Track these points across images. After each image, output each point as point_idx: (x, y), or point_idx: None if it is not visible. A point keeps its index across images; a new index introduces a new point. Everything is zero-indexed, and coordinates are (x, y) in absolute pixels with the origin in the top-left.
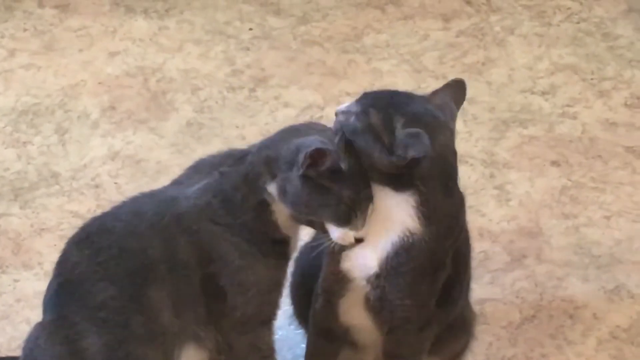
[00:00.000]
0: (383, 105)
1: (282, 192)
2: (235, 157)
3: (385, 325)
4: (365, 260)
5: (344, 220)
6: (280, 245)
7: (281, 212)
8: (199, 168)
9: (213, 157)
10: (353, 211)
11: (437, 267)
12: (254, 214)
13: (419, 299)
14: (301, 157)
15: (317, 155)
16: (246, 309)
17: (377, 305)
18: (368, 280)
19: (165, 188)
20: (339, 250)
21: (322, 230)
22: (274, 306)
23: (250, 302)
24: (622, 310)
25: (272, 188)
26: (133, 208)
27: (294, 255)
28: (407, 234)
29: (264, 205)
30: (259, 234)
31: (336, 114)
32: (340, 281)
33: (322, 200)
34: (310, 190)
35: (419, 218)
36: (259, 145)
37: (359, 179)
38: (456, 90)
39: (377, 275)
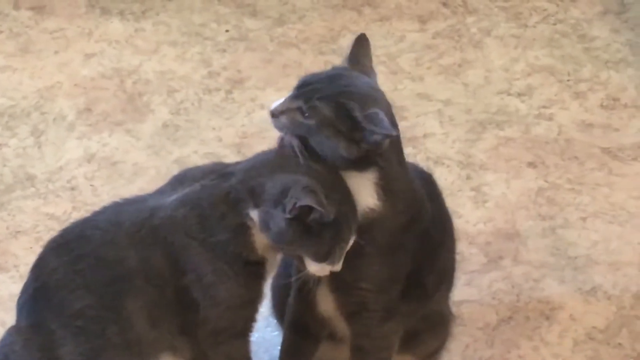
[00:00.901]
0: (328, 95)
1: (265, 225)
2: (218, 173)
3: (343, 310)
4: None
5: (324, 257)
6: (255, 266)
7: (261, 237)
8: (183, 179)
9: (198, 168)
10: (334, 249)
11: (394, 249)
12: (232, 235)
13: (375, 283)
14: (289, 203)
15: (306, 210)
16: (218, 322)
17: (336, 287)
18: None
19: (146, 196)
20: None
21: (298, 262)
22: (248, 321)
23: (223, 317)
24: (598, 312)
25: (254, 215)
26: (112, 216)
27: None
28: (367, 211)
29: (244, 228)
30: (233, 254)
31: (273, 115)
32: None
33: (305, 241)
34: (294, 232)
35: (378, 194)
36: (245, 170)
37: (343, 220)
38: (365, 46)
39: None
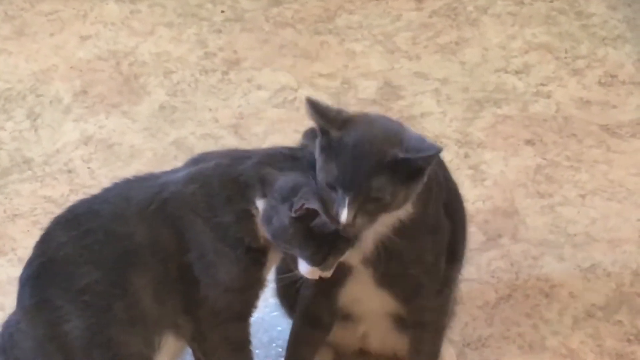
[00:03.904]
0: (367, 170)
1: (267, 219)
2: (234, 156)
3: (400, 298)
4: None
5: (317, 263)
6: (257, 253)
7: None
8: (200, 162)
9: (216, 152)
10: (328, 257)
11: (436, 227)
12: (235, 218)
13: (425, 264)
14: (298, 202)
15: (311, 213)
16: (217, 303)
17: (387, 281)
18: (365, 263)
19: (159, 173)
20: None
21: (291, 261)
22: (247, 305)
23: (221, 298)
24: (598, 289)
25: (260, 204)
26: (122, 192)
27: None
28: (405, 218)
29: (248, 215)
30: (235, 238)
31: (347, 227)
32: (341, 270)
33: (303, 243)
34: (295, 231)
35: (413, 202)
36: (260, 156)
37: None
38: None
39: (376, 256)
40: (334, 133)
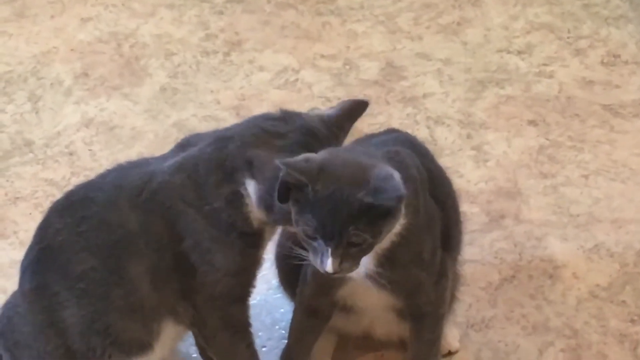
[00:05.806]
0: (343, 217)
1: (267, 206)
2: (217, 137)
3: (401, 297)
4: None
5: None
6: (251, 236)
7: (256, 210)
8: (186, 146)
9: (200, 135)
10: None
11: (428, 224)
12: (225, 202)
13: (424, 263)
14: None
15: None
16: (216, 288)
17: (387, 284)
18: (367, 277)
19: (151, 160)
20: None
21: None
22: (245, 287)
23: (220, 282)
24: (601, 269)
25: (250, 185)
26: (115, 179)
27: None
28: (400, 229)
29: (237, 197)
30: (227, 223)
31: (336, 272)
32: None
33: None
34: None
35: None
36: (243, 138)
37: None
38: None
39: (379, 266)
40: (310, 186)
